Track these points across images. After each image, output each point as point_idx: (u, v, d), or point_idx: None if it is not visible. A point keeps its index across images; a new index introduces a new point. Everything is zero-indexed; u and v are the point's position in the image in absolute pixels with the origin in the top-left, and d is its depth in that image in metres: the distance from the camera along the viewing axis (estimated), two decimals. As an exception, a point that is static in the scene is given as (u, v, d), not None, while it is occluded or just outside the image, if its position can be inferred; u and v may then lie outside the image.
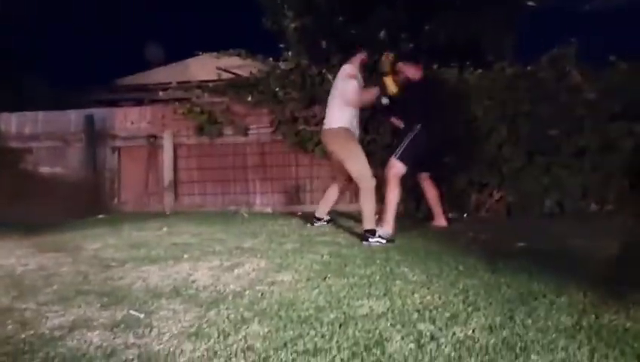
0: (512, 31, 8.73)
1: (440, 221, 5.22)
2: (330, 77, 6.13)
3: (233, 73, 7.38)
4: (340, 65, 4.75)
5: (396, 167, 4.54)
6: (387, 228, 4.38)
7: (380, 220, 4.47)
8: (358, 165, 4.46)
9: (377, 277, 3.04)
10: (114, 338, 2.26)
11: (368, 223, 4.29)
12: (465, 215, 5.92)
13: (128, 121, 7.35)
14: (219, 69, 7.47)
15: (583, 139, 5.68)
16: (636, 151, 5.52)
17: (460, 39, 7.15)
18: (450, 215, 5.58)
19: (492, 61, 6.21)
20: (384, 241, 4.17)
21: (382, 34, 6.90)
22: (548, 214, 5.80)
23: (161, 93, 7.73)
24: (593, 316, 2.31)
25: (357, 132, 4.68)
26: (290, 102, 6.47)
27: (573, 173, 5.73)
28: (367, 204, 4.33)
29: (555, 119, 5.71)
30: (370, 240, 4.18)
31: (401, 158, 4.55)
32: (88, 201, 6.97)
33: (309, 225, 5.24)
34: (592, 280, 2.81)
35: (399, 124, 5.02)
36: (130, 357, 2.06)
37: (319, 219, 5.22)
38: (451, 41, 7.08)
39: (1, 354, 2.11)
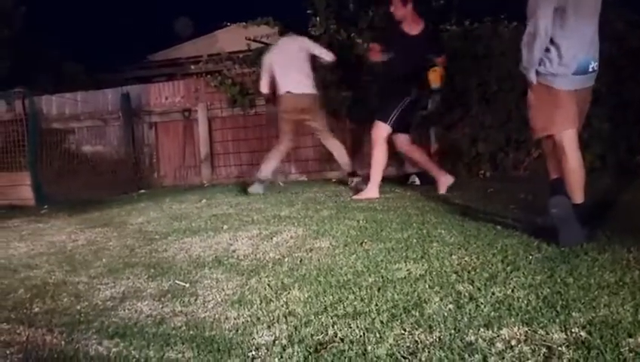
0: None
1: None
2: (359, 41, 6.02)
3: (262, 42, 7.32)
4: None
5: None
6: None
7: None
8: None
9: (414, 241, 3.05)
10: (162, 307, 2.36)
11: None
12: (487, 173, 5.83)
13: (162, 96, 7.48)
14: (247, 39, 7.42)
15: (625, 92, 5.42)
16: None
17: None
18: (482, 172, 5.53)
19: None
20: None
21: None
22: (589, 169, 5.62)
23: (192, 67, 7.81)
24: (637, 272, 2.26)
25: None
26: (321, 68, 6.41)
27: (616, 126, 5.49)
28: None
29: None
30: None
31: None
32: (129, 177, 7.19)
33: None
34: (636, 235, 2.74)
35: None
36: (179, 325, 2.16)
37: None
38: None
39: (59, 325, 2.24)
